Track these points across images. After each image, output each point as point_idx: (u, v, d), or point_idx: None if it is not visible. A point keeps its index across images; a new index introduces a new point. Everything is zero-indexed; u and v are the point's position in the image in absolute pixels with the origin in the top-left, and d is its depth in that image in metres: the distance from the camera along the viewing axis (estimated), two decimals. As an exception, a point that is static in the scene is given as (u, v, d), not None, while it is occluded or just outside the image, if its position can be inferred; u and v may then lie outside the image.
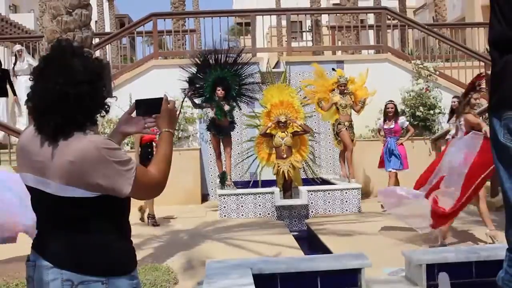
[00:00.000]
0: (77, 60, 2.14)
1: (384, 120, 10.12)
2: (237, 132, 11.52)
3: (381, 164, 10.17)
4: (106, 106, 2.21)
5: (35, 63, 12.87)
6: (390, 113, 9.97)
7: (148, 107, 2.37)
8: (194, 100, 9.66)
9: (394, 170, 9.89)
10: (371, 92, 10.42)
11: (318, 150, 11.93)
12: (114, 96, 2.32)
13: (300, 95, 10.93)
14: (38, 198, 2.19)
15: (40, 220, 2.24)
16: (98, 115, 2.21)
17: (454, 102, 10.40)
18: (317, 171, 11.20)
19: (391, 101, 10.13)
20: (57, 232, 2.15)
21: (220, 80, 9.53)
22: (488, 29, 2.15)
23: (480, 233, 7.48)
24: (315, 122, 11.81)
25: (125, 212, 2.27)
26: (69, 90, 2.07)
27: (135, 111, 2.39)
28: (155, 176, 2.23)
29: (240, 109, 10.36)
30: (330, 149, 12.31)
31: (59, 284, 2.09)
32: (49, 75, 2.10)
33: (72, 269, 2.09)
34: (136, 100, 2.38)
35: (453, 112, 10.39)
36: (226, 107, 9.52)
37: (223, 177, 9.71)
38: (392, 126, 10.00)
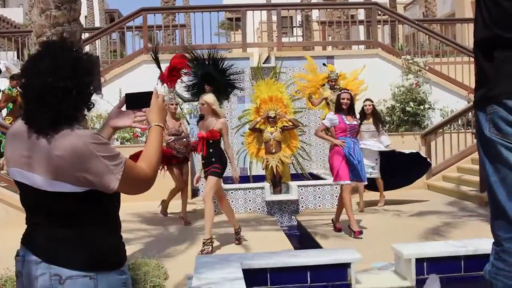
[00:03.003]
0: (67, 55, 2.14)
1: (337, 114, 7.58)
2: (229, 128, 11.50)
3: (341, 175, 7.40)
4: (91, 103, 2.21)
5: (10, 64, 12.72)
6: (345, 106, 7.51)
7: (138, 101, 2.39)
8: (182, 94, 9.66)
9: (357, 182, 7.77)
10: (362, 88, 10.43)
11: (308, 145, 11.95)
12: (100, 93, 2.30)
13: (290, 90, 10.94)
14: (26, 193, 2.19)
15: (28, 214, 2.23)
16: (86, 110, 2.21)
17: (370, 105, 9.44)
18: (307, 166, 11.21)
19: (347, 90, 7.95)
20: (45, 227, 2.15)
21: (206, 77, 9.52)
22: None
23: (471, 228, 7.54)
24: (305, 117, 11.82)
25: (114, 206, 2.27)
26: (57, 84, 2.07)
27: (125, 105, 2.40)
28: (145, 171, 2.22)
29: (228, 101, 10.37)
30: (320, 144, 12.34)
31: (47, 279, 2.08)
32: (38, 70, 2.09)
33: (60, 264, 2.08)
34: (126, 94, 2.40)
35: (365, 115, 9.47)
36: None
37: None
38: (355, 122, 7.66)
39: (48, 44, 2.21)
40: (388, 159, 9.43)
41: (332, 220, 7.85)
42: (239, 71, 9.88)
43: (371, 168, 9.25)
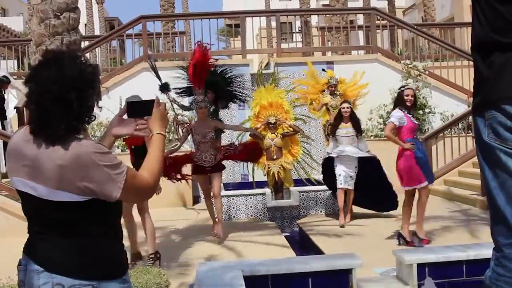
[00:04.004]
0: (73, 66, 2.14)
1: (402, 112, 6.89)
2: (228, 134, 11.52)
3: (415, 180, 6.80)
4: (93, 116, 2.22)
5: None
6: (410, 103, 6.92)
7: (139, 109, 2.39)
8: (181, 103, 9.61)
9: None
10: (363, 93, 10.41)
11: (308, 150, 11.92)
12: (100, 107, 2.29)
13: (290, 96, 10.94)
14: (28, 202, 2.19)
15: (30, 223, 2.24)
16: (87, 121, 2.21)
17: (348, 107, 8.55)
18: (309, 171, 11.19)
19: (410, 86, 7.35)
20: (47, 236, 2.15)
21: (210, 84, 9.52)
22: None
23: (473, 232, 7.52)
24: (305, 124, 11.80)
25: (116, 215, 2.28)
26: (61, 95, 2.08)
27: (126, 113, 2.40)
28: (147, 180, 2.23)
29: (228, 108, 10.36)
30: (321, 150, 12.33)
31: None
32: (44, 80, 2.10)
33: (62, 273, 2.09)
34: (128, 102, 2.39)
35: (342, 119, 8.58)
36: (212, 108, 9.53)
37: None
38: (417, 122, 7.23)
39: (55, 54, 2.22)
40: (365, 173, 8.54)
41: (401, 234, 7.00)
42: (244, 83, 9.82)
43: (349, 178, 8.49)
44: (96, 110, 2.23)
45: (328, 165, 8.88)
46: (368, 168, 8.54)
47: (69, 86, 2.09)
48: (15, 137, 2.24)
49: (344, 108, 8.54)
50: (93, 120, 2.22)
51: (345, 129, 8.51)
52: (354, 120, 8.55)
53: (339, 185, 8.49)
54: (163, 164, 2.34)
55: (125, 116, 2.42)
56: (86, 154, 2.06)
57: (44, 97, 2.08)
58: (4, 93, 11.59)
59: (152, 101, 2.38)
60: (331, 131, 8.83)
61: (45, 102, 2.08)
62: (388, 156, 9.12)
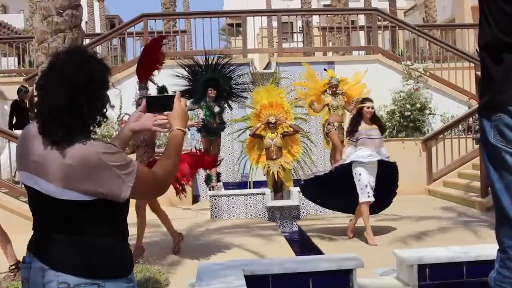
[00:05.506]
0: (83, 68, 2.12)
1: None
2: (228, 133, 11.51)
3: None
4: (105, 117, 2.20)
5: None
6: None
7: (159, 104, 2.35)
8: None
9: None
10: (364, 92, 10.40)
11: (309, 150, 11.94)
12: (112, 106, 2.25)
13: (291, 96, 10.94)
14: (35, 198, 2.17)
15: (37, 220, 2.22)
16: (99, 122, 2.19)
17: (372, 107, 7.28)
18: (308, 172, 11.19)
19: None
20: (53, 233, 2.13)
21: (211, 81, 9.53)
22: (477, 30, 2.17)
23: (472, 234, 7.52)
24: (306, 123, 11.82)
25: (123, 214, 2.25)
26: (73, 96, 2.06)
27: (146, 108, 2.37)
28: (160, 176, 2.21)
29: (231, 109, 10.34)
30: (321, 150, 12.33)
31: (54, 286, 2.07)
32: (58, 81, 2.08)
33: (68, 272, 2.07)
34: (148, 97, 2.37)
35: (361, 119, 7.30)
36: (216, 109, 9.53)
37: (207, 179, 9.71)
38: None
39: (67, 52, 2.20)
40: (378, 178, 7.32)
41: None
42: (247, 81, 9.80)
43: (370, 188, 7.21)
44: (108, 109, 2.22)
45: (339, 175, 7.41)
46: (381, 172, 7.29)
47: (80, 86, 2.07)
48: (26, 131, 2.22)
49: (368, 108, 7.24)
50: (105, 121, 2.21)
51: (367, 130, 7.26)
52: (379, 121, 7.51)
53: (366, 198, 7.13)
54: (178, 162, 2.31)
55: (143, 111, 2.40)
56: (95, 154, 2.05)
57: (54, 96, 2.06)
58: (25, 103, 11.63)
59: (173, 96, 2.34)
60: (349, 134, 7.39)
61: (55, 102, 2.06)
62: (392, 156, 9.13)
